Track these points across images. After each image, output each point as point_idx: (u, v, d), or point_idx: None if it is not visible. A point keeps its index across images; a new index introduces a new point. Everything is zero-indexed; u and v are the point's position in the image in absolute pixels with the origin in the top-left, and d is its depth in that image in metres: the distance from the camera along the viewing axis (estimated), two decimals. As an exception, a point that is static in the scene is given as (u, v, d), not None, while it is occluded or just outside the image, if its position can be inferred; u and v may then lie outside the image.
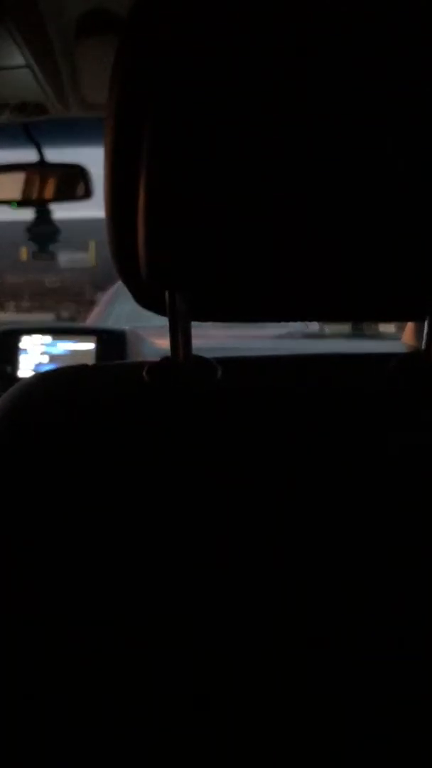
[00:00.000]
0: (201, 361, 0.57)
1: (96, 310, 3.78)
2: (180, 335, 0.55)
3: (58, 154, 1.76)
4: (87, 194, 1.72)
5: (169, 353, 0.56)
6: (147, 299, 0.57)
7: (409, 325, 2.32)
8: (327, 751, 0.54)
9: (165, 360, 0.56)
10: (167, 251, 0.53)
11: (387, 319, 0.74)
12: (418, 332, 2.29)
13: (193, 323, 0.56)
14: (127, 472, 0.54)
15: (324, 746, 0.54)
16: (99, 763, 0.54)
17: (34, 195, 1.76)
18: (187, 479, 0.54)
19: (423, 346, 0.56)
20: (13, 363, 2.06)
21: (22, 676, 0.53)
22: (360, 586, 0.54)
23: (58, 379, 0.61)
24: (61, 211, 1.92)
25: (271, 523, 0.54)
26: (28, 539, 0.53)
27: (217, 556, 0.53)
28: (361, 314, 0.63)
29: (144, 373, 0.56)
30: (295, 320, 0.60)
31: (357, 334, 2.61)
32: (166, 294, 0.54)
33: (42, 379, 0.60)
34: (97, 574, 0.53)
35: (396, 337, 2.49)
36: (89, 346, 2.05)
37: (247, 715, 0.53)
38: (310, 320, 0.63)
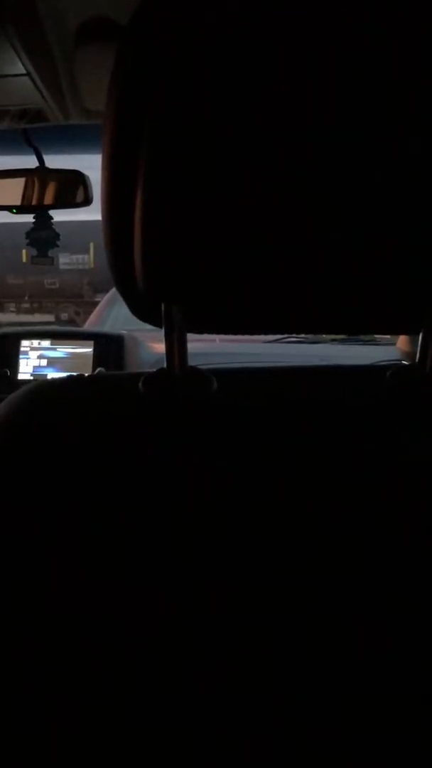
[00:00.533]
0: (196, 372, 0.57)
1: (94, 313, 3.79)
2: (176, 346, 0.55)
3: (57, 161, 1.76)
4: (86, 200, 1.71)
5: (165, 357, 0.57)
6: (143, 310, 0.57)
7: (405, 331, 2.31)
8: (327, 750, 0.55)
9: (161, 371, 0.57)
10: (164, 263, 0.53)
11: (382, 332, 0.74)
12: (413, 339, 2.29)
13: None
14: (123, 481, 0.55)
15: (324, 746, 0.55)
16: (98, 761, 0.54)
17: (34, 201, 1.76)
18: (183, 489, 0.54)
19: (417, 358, 0.57)
20: (13, 366, 2.08)
21: (22, 676, 0.54)
22: (355, 596, 0.55)
23: (55, 390, 0.61)
24: (62, 215, 1.92)
25: (267, 533, 0.54)
26: (27, 542, 0.54)
27: (214, 565, 0.54)
28: (357, 327, 0.64)
29: (140, 385, 0.56)
30: (290, 332, 0.61)
31: (352, 339, 2.62)
32: (162, 306, 0.54)
33: (39, 388, 0.61)
34: (95, 578, 0.54)
35: (391, 343, 2.50)
36: (87, 350, 2.07)
37: (246, 712, 0.54)
38: (306, 333, 0.63)
